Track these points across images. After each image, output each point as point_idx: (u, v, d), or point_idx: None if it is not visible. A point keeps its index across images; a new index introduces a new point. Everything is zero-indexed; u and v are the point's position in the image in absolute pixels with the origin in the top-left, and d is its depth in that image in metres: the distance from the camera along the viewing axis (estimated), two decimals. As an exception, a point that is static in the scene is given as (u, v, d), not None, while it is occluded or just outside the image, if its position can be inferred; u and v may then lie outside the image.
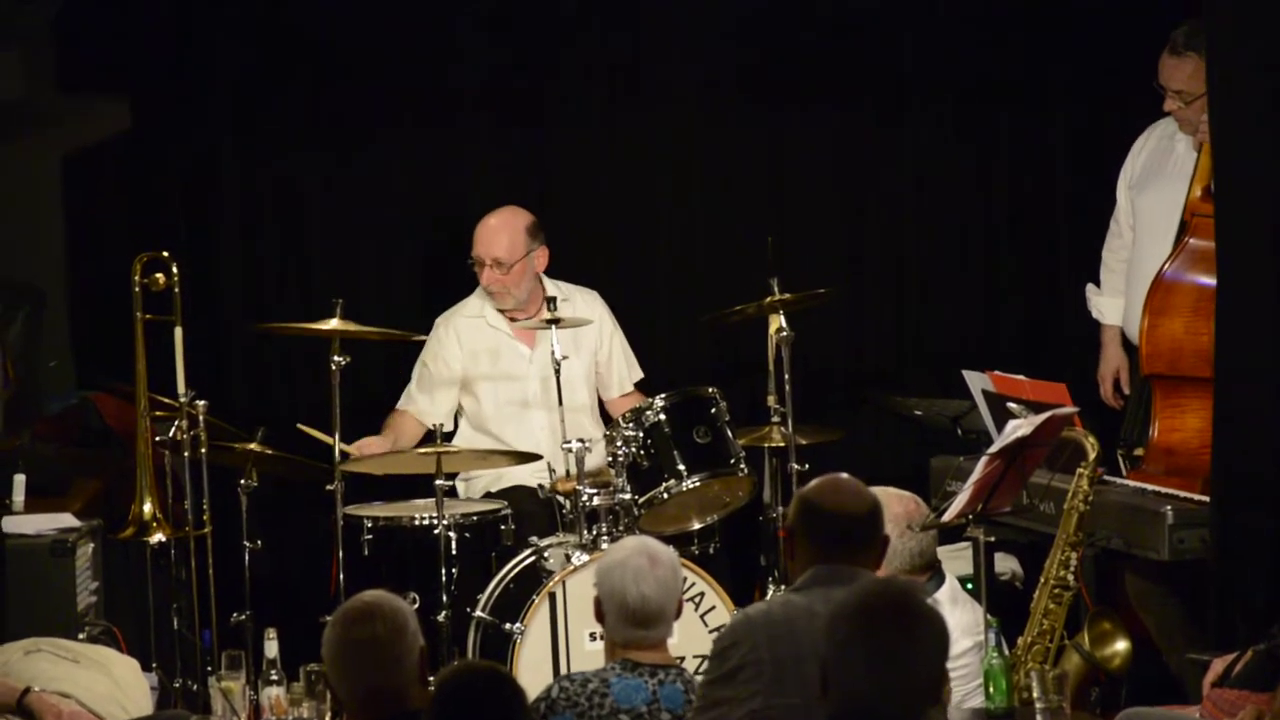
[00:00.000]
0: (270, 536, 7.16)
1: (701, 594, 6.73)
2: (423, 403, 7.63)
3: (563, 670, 6.53)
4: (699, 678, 4.80)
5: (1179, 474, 6.59)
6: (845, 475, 4.82)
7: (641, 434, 7.03)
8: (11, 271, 7.84)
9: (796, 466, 7.10)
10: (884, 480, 6.13)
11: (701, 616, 6.70)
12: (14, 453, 7.17)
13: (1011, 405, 6.32)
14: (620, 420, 7.08)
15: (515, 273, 7.51)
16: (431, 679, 4.23)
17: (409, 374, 7.76)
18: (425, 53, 8.21)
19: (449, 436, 7.52)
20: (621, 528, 6.86)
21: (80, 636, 6.44)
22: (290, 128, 8.23)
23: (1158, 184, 7.19)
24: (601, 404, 7.76)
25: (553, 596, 6.66)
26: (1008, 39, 8.37)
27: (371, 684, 4.30)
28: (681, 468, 7.03)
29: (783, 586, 6.36)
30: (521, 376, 7.57)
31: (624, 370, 7.79)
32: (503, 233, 7.53)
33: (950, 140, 8.43)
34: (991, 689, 5.70)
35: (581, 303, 7.67)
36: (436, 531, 6.86)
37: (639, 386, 7.79)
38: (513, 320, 7.58)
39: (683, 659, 5.52)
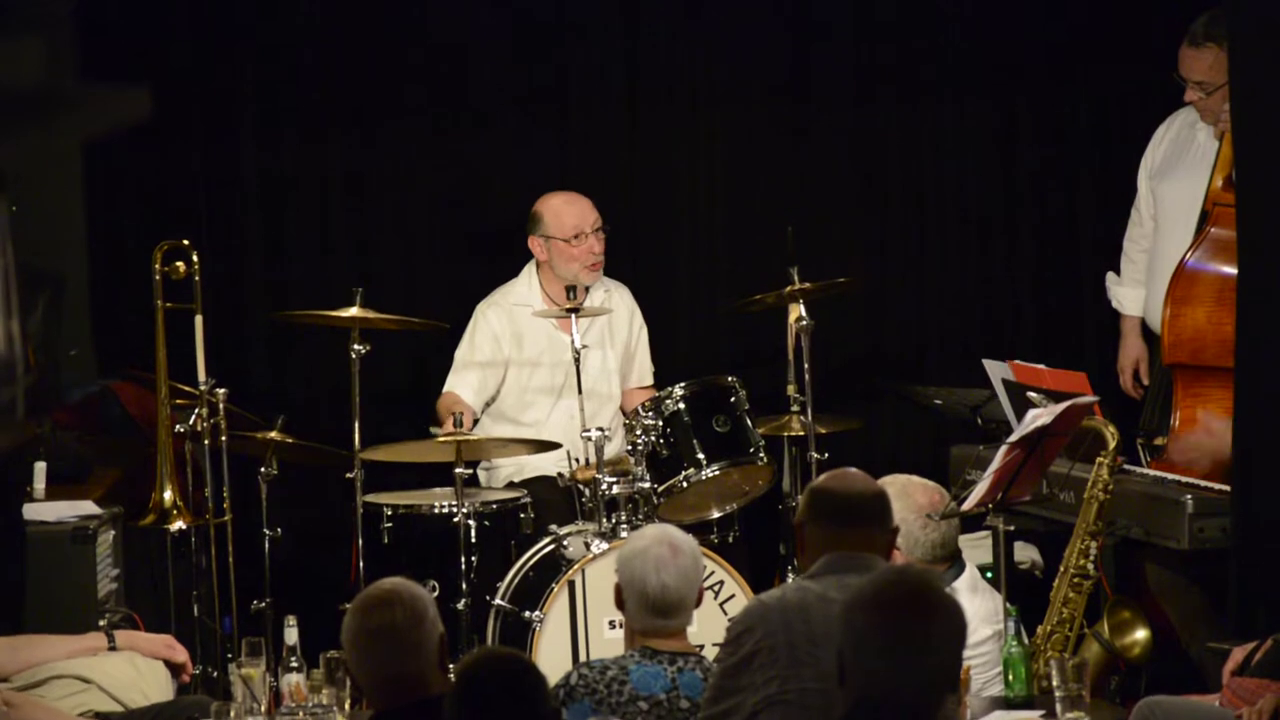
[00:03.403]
0: (290, 524, 7.18)
1: (721, 582, 6.73)
2: (472, 382, 7.56)
3: (582, 658, 6.54)
4: (716, 666, 4.80)
5: (1200, 463, 6.58)
6: (854, 469, 4.84)
7: (661, 423, 7.02)
8: (32, 259, 7.83)
9: (816, 455, 7.10)
10: (903, 469, 6.15)
11: (721, 605, 6.70)
12: (35, 440, 7.17)
13: (1031, 394, 6.31)
14: (640, 409, 7.08)
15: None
16: (451, 666, 4.24)
17: (429, 362, 7.75)
18: (447, 41, 8.21)
19: (476, 422, 7.51)
20: (641, 516, 6.85)
21: (100, 624, 6.45)
22: (311, 116, 8.23)
23: (1179, 173, 7.17)
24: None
25: (572, 584, 6.66)
26: (1029, 26, 8.35)
27: (391, 670, 4.32)
28: (701, 456, 7.03)
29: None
30: (566, 365, 7.53)
31: (645, 364, 7.78)
32: (588, 201, 7.52)
33: (970, 129, 8.42)
34: (1011, 677, 5.70)
35: (618, 296, 7.67)
36: (456, 519, 6.86)
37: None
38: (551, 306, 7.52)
39: (702, 647, 5.51)
